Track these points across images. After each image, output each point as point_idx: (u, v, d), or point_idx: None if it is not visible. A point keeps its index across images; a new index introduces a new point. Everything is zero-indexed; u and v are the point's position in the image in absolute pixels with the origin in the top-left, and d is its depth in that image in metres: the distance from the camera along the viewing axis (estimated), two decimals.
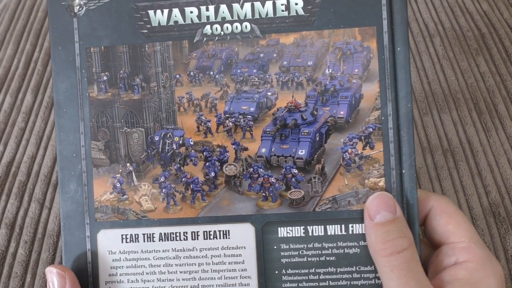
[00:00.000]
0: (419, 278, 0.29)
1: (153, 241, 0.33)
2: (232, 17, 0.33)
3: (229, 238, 0.32)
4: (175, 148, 0.34)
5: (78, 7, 0.34)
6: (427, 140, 0.49)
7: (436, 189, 0.46)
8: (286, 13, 0.33)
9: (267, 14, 0.33)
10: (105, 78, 0.34)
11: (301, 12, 0.33)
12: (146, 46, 0.34)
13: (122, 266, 0.33)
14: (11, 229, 0.46)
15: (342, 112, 0.33)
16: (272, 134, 0.33)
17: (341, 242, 0.31)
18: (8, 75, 0.56)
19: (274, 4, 0.33)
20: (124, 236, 0.33)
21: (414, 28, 0.57)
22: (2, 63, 0.57)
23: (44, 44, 0.58)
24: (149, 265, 0.33)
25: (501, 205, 0.45)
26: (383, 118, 0.32)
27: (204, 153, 0.33)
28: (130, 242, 0.33)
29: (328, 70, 0.33)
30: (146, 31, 0.33)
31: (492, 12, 0.57)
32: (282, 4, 0.33)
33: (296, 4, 0.32)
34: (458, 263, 0.31)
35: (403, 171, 0.32)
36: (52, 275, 0.31)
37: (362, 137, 0.32)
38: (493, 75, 0.52)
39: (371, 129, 0.32)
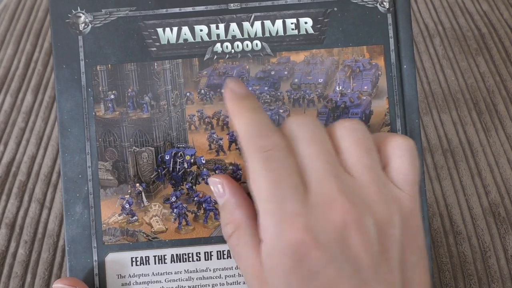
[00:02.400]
0: (247, 263, 0.28)
1: (165, 263, 0.33)
2: (242, 35, 0.34)
3: None
4: (186, 167, 0.34)
5: (83, 24, 0.34)
6: (426, 140, 0.51)
7: (435, 188, 0.48)
8: (296, 32, 0.34)
9: (277, 32, 0.34)
10: (112, 96, 0.34)
11: (310, 30, 0.34)
12: (155, 64, 0.34)
13: None
14: (11, 229, 0.46)
15: None
16: None
17: None
18: (8, 75, 0.56)
19: (284, 22, 0.34)
20: (134, 259, 0.33)
21: (414, 28, 0.59)
22: (2, 63, 0.56)
23: (44, 44, 0.58)
24: None
25: (501, 205, 0.47)
26: None
27: (217, 171, 0.34)
28: (140, 265, 0.33)
29: (339, 87, 0.34)
30: (155, 49, 0.34)
31: (492, 12, 0.59)
32: (292, 23, 0.34)
33: (306, 23, 0.34)
34: (261, 241, 0.28)
35: None
36: None
37: None
38: (493, 75, 0.54)
39: None
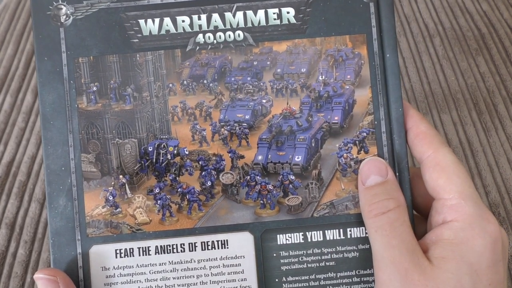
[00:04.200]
0: (403, 238, 0.29)
1: (149, 254, 0.33)
2: (224, 26, 0.34)
3: (227, 247, 0.33)
4: (169, 158, 0.34)
5: (64, 16, 0.34)
6: None
7: None
8: (278, 22, 0.34)
9: (259, 22, 0.34)
10: (94, 88, 0.34)
11: (293, 20, 0.34)
12: (137, 55, 0.34)
13: (117, 283, 0.33)
14: (11, 229, 0.47)
15: (336, 118, 0.35)
16: (268, 141, 0.35)
17: (340, 247, 0.33)
18: (8, 75, 0.57)
19: (266, 12, 0.34)
20: (118, 251, 0.33)
21: (414, 28, 0.59)
22: (2, 63, 0.57)
23: None
24: (145, 279, 0.33)
25: (501, 205, 0.47)
26: (376, 122, 0.34)
27: (200, 162, 0.34)
28: (124, 256, 0.33)
29: (321, 77, 0.35)
30: (137, 40, 0.34)
31: (492, 12, 0.60)
32: (274, 13, 0.34)
33: (288, 12, 0.34)
34: (445, 222, 0.30)
35: (397, 174, 0.34)
36: (42, 281, 0.31)
37: (357, 142, 0.34)
38: (493, 75, 0.55)
39: (365, 134, 0.34)
